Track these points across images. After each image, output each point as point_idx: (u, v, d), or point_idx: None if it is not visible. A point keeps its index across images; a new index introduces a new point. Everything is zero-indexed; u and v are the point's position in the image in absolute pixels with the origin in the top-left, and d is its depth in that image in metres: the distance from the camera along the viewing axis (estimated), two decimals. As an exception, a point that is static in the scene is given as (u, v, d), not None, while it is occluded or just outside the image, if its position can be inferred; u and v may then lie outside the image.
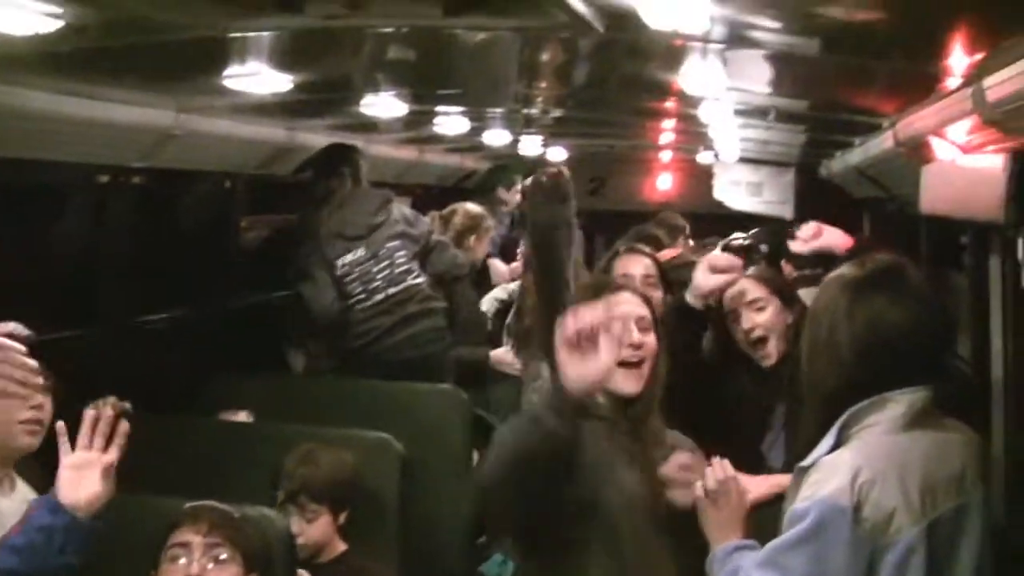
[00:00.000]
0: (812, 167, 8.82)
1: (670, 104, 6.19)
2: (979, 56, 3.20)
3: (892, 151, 5.16)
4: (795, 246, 4.63)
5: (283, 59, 4.12)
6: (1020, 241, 4.10)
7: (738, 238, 5.08)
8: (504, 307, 6.86)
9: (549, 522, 3.04)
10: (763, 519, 3.22)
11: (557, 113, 6.79)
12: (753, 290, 4.30)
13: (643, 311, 3.58)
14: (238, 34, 3.66)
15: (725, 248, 5.10)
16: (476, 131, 7.47)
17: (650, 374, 3.52)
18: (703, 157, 10.23)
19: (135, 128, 4.76)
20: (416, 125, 6.92)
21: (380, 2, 3.30)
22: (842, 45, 3.59)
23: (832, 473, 2.70)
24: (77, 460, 3.13)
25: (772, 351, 4.19)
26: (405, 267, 5.95)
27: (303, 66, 4.38)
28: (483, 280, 7.41)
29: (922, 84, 3.91)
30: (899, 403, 2.77)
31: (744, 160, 9.82)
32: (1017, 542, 4.31)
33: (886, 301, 2.82)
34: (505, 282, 7.39)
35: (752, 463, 3.69)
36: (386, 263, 5.90)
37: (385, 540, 4.72)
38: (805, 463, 2.81)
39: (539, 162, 9.64)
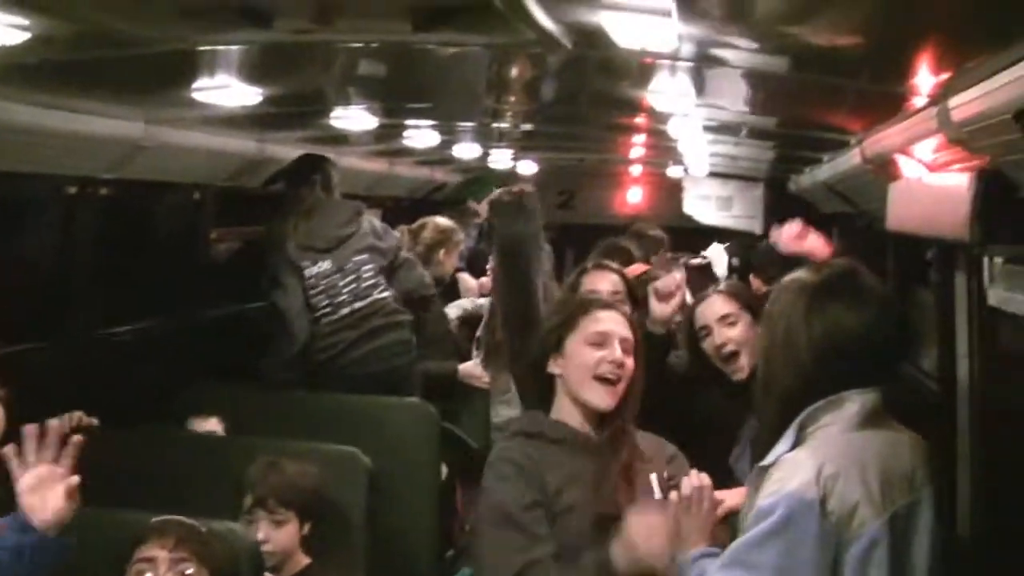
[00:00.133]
0: (781, 182, 8.87)
1: (640, 120, 6.21)
2: (945, 76, 3.23)
3: (860, 168, 5.20)
4: (779, 244, 4.65)
5: (252, 72, 4.12)
6: (986, 259, 4.12)
7: (696, 258, 5.10)
8: (468, 317, 6.86)
9: None
10: (735, 529, 3.24)
11: (527, 127, 6.79)
12: (724, 306, 4.34)
13: (628, 333, 3.71)
14: (207, 47, 3.65)
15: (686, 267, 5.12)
16: (446, 144, 7.48)
17: (625, 393, 3.64)
18: (673, 171, 10.26)
19: (103, 140, 4.74)
20: (386, 138, 6.92)
21: (349, 17, 3.31)
22: (810, 65, 3.61)
23: (796, 469, 2.72)
24: (35, 477, 3.09)
25: (744, 365, 4.21)
26: (371, 281, 5.92)
27: (273, 79, 4.37)
28: (452, 294, 7.40)
29: (889, 103, 3.94)
30: (853, 403, 2.80)
31: (714, 174, 9.86)
32: (985, 560, 4.34)
33: (842, 307, 2.85)
34: (475, 296, 7.39)
35: (723, 477, 3.72)
36: (352, 277, 5.87)
37: (352, 554, 4.69)
38: (765, 462, 2.83)
39: (511, 174, 9.67)
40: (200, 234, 6.58)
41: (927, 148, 3.99)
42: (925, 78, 3.32)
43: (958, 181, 3.68)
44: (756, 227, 9.89)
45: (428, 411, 5.51)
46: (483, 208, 8.69)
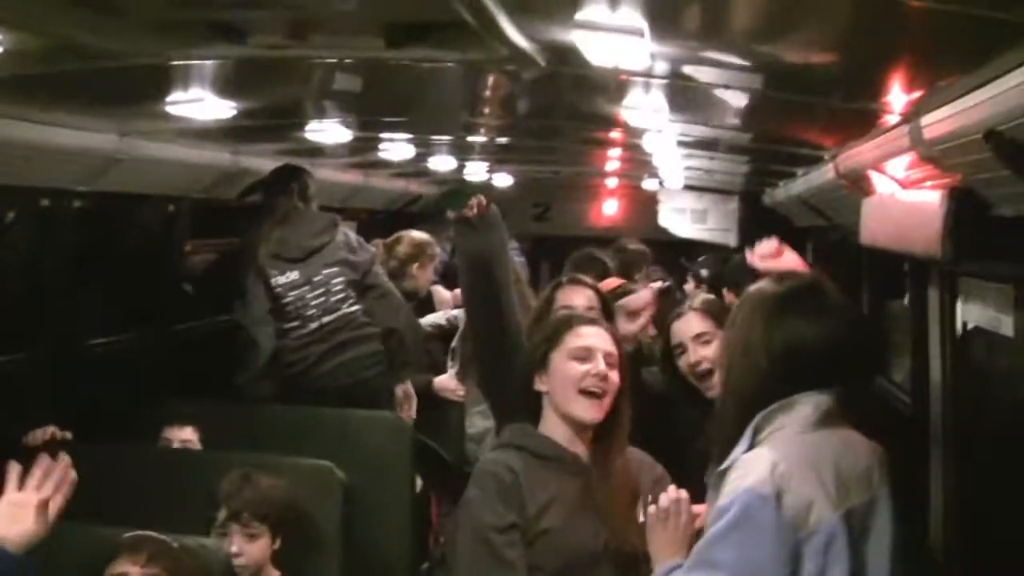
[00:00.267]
0: (756, 195, 8.90)
1: (615, 134, 6.23)
2: (916, 95, 3.24)
3: (834, 183, 5.22)
4: (754, 263, 4.67)
5: (227, 87, 4.11)
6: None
7: (657, 280, 5.11)
8: (441, 332, 6.85)
9: None
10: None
11: (502, 141, 6.80)
12: (699, 324, 4.36)
13: (611, 348, 3.73)
14: (181, 62, 3.65)
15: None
16: (421, 157, 7.48)
17: (611, 407, 3.66)
18: (648, 184, 10.28)
19: (77, 152, 4.72)
20: (362, 150, 6.91)
21: (323, 34, 3.31)
22: (783, 83, 3.63)
23: (751, 467, 2.75)
24: (16, 498, 3.08)
25: (719, 383, 4.22)
26: (341, 295, 5.91)
27: (247, 94, 4.37)
28: (428, 307, 7.39)
29: (862, 120, 3.96)
30: (806, 404, 2.83)
31: (689, 187, 9.88)
32: (957, 569, 4.37)
33: (800, 318, 2.89)
34: (449, 307, 7.38)
35: (700, 493, 3.72)
36: (322, 290, 5.86)
37: (326, 568, 4.68)
38: (723, 466, 2.86)
39: (487, 185, 9.68)
40: (174, 247, 6.56)
41: (900, 165, 4.01)
42: (897, 96, 3.34)
43: (930, 198, 3.69)
44: (731, 240, 9.93)
45: (402, 424, 5.53)
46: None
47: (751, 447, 2.82)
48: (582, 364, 3.64)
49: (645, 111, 4.52)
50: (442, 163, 7.95)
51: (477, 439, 5.23)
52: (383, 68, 3.86)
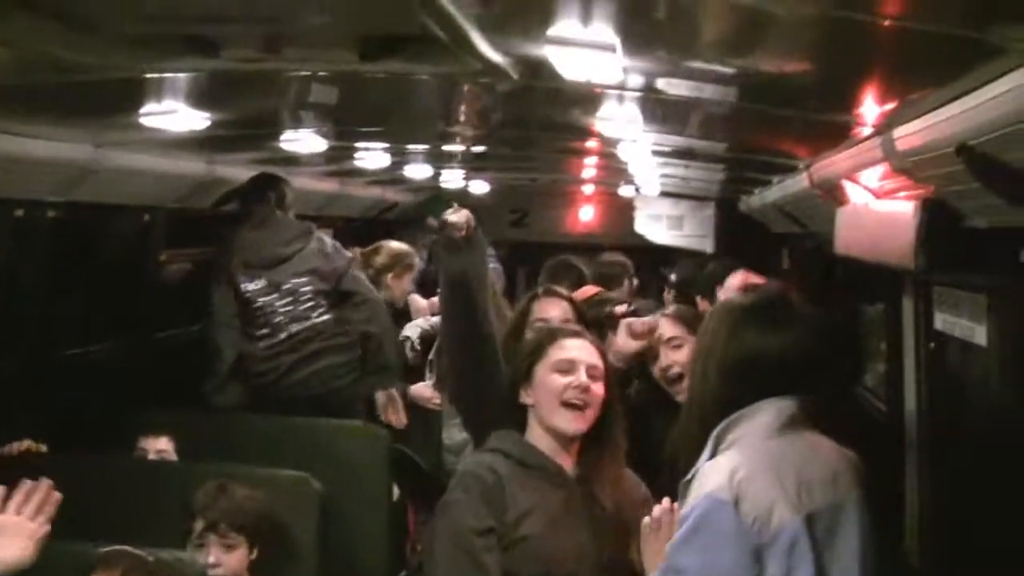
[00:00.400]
0: (732, 202, 8.91)
1: (590, 144, 6.24)
2: (889, 107, 3.26)
3: (808, 191, 5.23)
4: (723, 294, 4.71)
5: (201, 98, 4.10)
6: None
7: (620, 305, 5.10)
8: (424, 337, 6.83)
9: None
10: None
11: (478, 149, 6.80)
12: (670, 329, 4.40)
13: (595, 360, 3.75)
14: (154, 75, 3.64)
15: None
16: (397, 165, 7.48)
17: (595, 420, 3.68)
18: (625, 191, 10.29)
19: (52, 163, 4.69)
20: (337, 159, 6.90)
21: (296, 47, 3.31)
22: (756, 95, 3.65)
23: (710, 474, 2.79)
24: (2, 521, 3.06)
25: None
26: (310, 303, 5.90)
27: (221, 105, 4.36)
28: (406, 316, 7.37)
29: (835, 131, 3.98)
30: (767, 411, 2.87)
31: (665, 194, 9.90)
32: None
33: (760, 330, 2.94)
34: (426, 315, 7.36)
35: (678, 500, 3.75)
36: (289, 299, 5.86)
37: (303, 576, 4.70)
38: (687, 477, 2.89)
39: (463, 192, 9.69)
40: (150, 256, 6.54)
41: (873, 176, 4.03)
42: (870, 108, 3.36)
43: (903, 209, 3.71)
44: (707, 246, 9.95)
45: (377, 433, 5.54)
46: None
47: (713, 455, 2.86)
48: (564, 376, 3.66)
49: (619, 122, 4.53)
50: (418, 171, 7.96)
51: (455, 450, 5.23)
52: (358, 80, 3.86)
